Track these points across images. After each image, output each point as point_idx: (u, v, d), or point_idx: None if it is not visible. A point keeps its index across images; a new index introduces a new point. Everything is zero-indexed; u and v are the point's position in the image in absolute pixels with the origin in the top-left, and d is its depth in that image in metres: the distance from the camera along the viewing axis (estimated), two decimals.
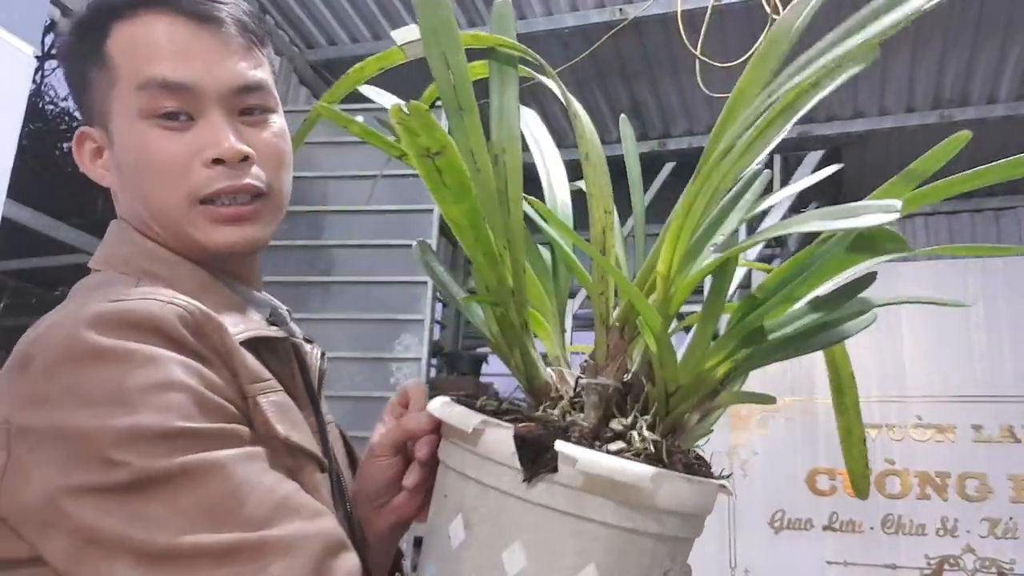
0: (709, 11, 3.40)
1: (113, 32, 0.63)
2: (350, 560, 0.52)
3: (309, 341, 0.72)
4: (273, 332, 0.63)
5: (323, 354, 0.72)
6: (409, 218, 3.11)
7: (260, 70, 0.66)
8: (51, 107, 7.57)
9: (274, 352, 0.63)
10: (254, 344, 0.60)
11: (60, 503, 0.46)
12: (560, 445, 0.47)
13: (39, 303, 6.82)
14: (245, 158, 0.63)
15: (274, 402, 0.57)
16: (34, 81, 4.18)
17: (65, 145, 7.64)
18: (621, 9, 3.70)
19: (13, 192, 2.29)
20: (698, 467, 0.53)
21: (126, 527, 0.46)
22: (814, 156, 4.36)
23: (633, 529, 0.48)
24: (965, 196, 5.00)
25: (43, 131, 7.32)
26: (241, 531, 0.47)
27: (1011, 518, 3.70)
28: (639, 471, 0.46)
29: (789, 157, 4.47)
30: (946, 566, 3.74)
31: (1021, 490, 3.73)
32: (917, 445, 3.91)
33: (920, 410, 3.95)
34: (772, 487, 4.03)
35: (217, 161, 0.62)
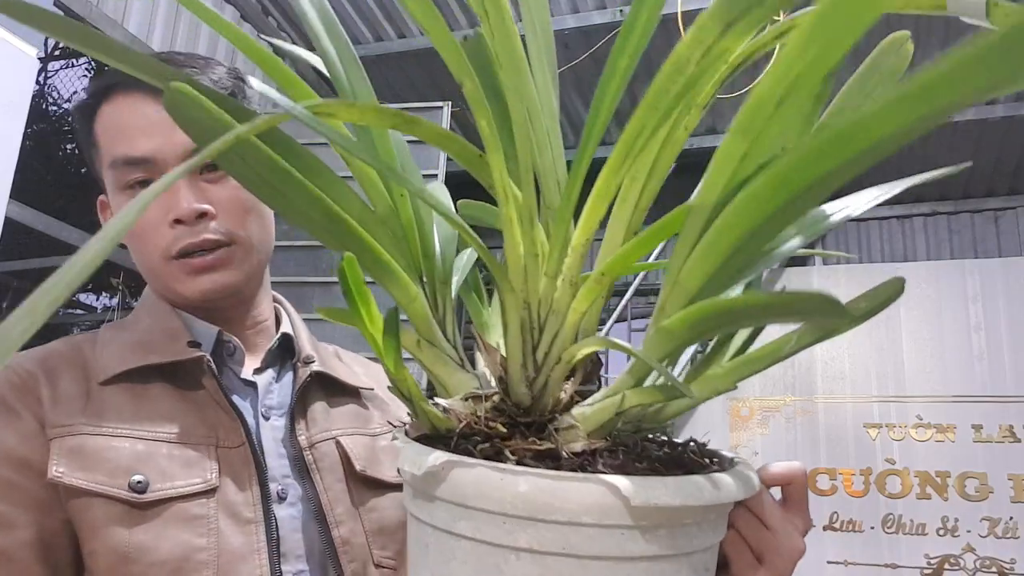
0: None
1: (98, 115, 0.72)
2: None
3: (307, 363, 0.77)
4: (158, 359, 0.69)
5: (311, 375, 0.76)
6: None
7: None
8: (54, 108, 7.57)
9: (178, 375, 0.70)
10: (143, 372, 0.68)
11: None
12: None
13: None
14: (203, 215, 0.70)
15: (68, 446, 0.63)
16: (37, 82, 4.19)
17: (68, 146, 7.65)
18: (622, 10, 3.71)
19: (16, 192, 2.30)
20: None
21: None
22: None
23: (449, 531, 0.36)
24: (965, 196, 5.01)
25: (46, 132, 7.32)
26: None
27: (1011, 518, 3.70)
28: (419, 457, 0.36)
29: None
30: (946, 566, 3.74)
31: (1021, 490, 3.73)
32: (917, 445, 3.92)
33: (920, 410, 3.96)
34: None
35: (178, 221, 0.69)
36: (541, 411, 0.38)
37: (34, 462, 0.62)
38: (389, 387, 0.42)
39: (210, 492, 0.65)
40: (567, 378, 0.39)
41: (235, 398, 0.71)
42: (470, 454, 0.36)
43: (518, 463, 0.35)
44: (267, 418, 0.73)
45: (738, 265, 0.32)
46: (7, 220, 2.27)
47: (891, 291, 0.37)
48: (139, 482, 0.63)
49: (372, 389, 0.83)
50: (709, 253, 0.32)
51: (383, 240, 0.38)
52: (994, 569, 3.68)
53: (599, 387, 0.40)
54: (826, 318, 0.28)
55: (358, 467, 0.74)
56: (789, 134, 0.32)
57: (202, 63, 0.75)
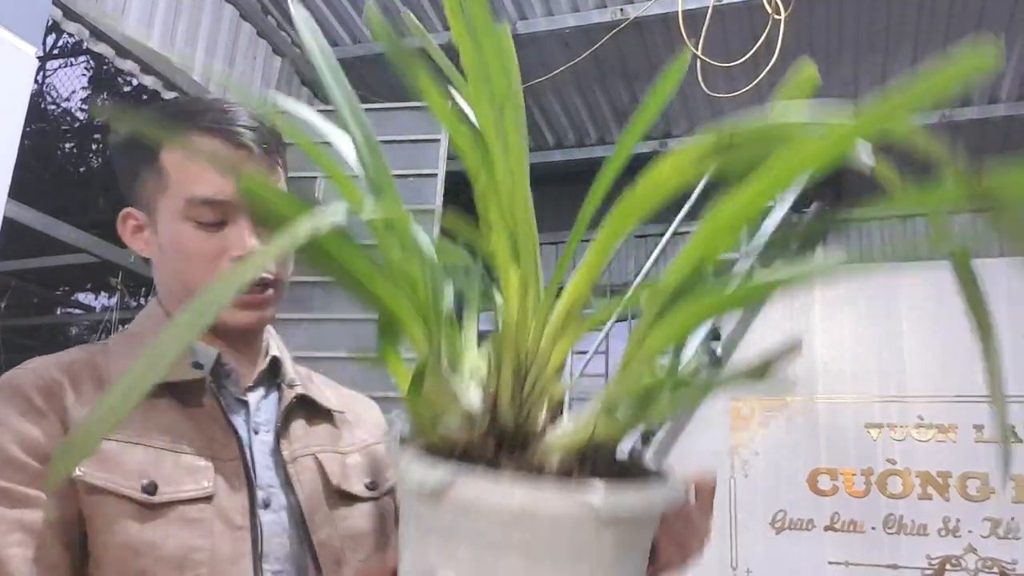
0: (710, 11, 3.40)
1: (168, 145, 0.79)
2: None
3: (290, 387, 0.86)
4: (173, 376, 0.77)
5: (295, 398, 0.85)
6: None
7: (278, 183, 0.84)
8: (52, 107, 7.57)
9: (181, 391, 0.77)
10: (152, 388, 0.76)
11: None
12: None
13: (40, 303, 6.83)
14: None
15: None
16: (35, 81, 4.19)
17: (66, 146, 7.65)
18: (622, 9, 3.71)
19: (14, 192, 2.29)
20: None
21: None
22: None
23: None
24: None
25: (44, 131, 7.32)
26: None
27: (1013, 518, 3.70)
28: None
29: None
30: (948, 566, 3.73)
31: (1023, 490, 3.72)
32: (919, 445, 3.91)
33: (921, 410, 3.95)
34: (773, 487, 4.03)
35: (239, 258, 0.78)
36: (524, 436, 0.49)
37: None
38: (401, 439, 0.51)
39: (207, 499, 0.73)
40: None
41: (231, 415, 0.80)
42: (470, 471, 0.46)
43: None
44: (256, 432, 0.81)
45: (690, 334, 0.49)
46: (6, 220, 2.27)
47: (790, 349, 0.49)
48: (149, 484, 0.71)
49: (343, 412, 0.91)
50: (668, 331, 0.47)
51: (399, 297, 0.50)
52: (995, 570, 3.68)
53: (562, 412, 0.53)
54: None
55: (334, 482, 0.83)
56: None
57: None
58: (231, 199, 0.78)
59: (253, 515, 0.75)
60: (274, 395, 0.85)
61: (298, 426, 0.85)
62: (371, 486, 0.86)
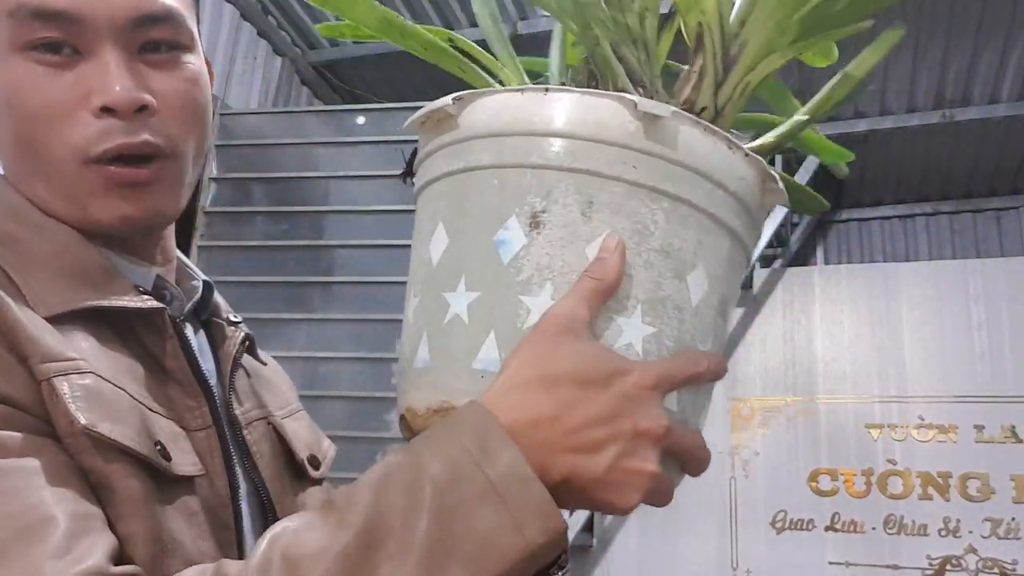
0: None
1: None
2: None
3: (234, 324, 0.63)
4: (122, 302, 0.51)
5: (246, 339, 0.63)
6: (410, 218, 3.11)
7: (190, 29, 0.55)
8: None
9: (131, 328, 0.52)
10: (88, 315, 0.49)
11: None
12: None
13: None
14: (143, 108, 0.51)
15: (81, 385, 0.45)
16: None
17: None
18: None
19: None
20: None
21: None
22: (815, 157, 4.35)
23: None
24: (967, 196, 5.00)
25: None
26: None
27: (1013, 518, 3.70)
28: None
29: (790, 158, 4.47)
30: (948, 567, 3.73)
31: (1023, 490, 3.72)
32: (919, 445, 3.91)
33: (922, 410, 3.95)
34: (774, 487, 4.03)
35: (107, 110, 0.50)
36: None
37: (32, 407, 0.44)
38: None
39: (196, 481, 0.50)
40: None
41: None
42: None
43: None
44: None
45: None
46: None
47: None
48: (160, 446, 0.47)
49: (266, 365, 0.69)
50: None
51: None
52: (996, 570, 3.67)
53: None
54: None
55: (299, 455, 0.62)
56: None
57: None
58: (79, 11, 0.50)
59: (236, 507, 0.53)
60: (203, 334, 0.61)
61: (242, 380, 0.62)
62: (313, 462, 0.64)
